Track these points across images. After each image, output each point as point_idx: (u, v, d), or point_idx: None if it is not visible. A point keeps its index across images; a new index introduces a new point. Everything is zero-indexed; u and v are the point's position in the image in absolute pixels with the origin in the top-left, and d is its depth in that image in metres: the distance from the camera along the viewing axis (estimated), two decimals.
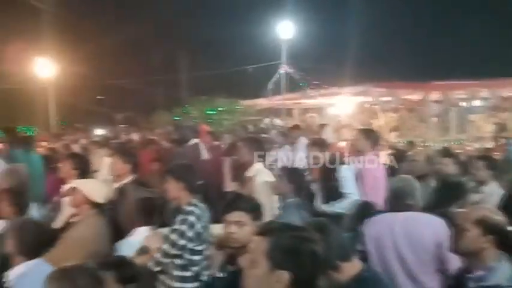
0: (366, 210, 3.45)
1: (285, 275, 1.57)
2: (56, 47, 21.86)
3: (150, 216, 3.69)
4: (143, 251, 3.37)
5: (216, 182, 6.58)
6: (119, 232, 3.88)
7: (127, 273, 2.50)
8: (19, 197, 3.65)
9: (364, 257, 2.86)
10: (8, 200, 3.57)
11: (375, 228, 3.11)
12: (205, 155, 7.18)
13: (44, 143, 10.90)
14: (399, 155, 6.76)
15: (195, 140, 7.32)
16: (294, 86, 19.19)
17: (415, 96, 16.55)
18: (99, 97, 32.35)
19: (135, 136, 12.41)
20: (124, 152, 4.56)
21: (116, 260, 2.74)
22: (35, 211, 4.01)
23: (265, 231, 1.71)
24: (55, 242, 3.23)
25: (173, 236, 3.25)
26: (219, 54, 29.55)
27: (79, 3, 24.27)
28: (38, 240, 2.95)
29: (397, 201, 3.21)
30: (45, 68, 21.37)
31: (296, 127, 7.52)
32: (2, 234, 3.23)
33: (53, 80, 21.79)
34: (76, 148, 9.06)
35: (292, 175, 4.08)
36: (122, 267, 2.53)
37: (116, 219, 4.04)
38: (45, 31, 21.97)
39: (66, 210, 3.90)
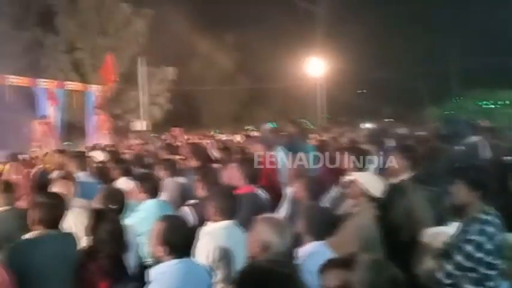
0: None
1: None
2: (325, 46, 23.75)
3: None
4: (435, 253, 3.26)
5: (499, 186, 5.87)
6: (392, 228, 3.89)
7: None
8: (312, 183, 4.09)
9: None
10: (304, 185, 4.03)
11: None
12: (486, 154, 6.51)
13: (313, 135, 11.95)
14: None
15: (473, 138, 6.72)
16: None
17: None
18: (359, 91, 33.42)
19: (401, 131, 12.24)
20: (402, 147, 4.53)
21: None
22: None
23: None
24: (337, 228, 3.48)
25: (469, 248, 2.99)
26: (498, 39, 26.22)
27: (345, 5, 25.55)
28: (323, 225, 3.22)
29: None
30: (315, 66, 23.55)
31: None
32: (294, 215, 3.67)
33: (322, 77, 23.77)
34: (343, 141, 9.55)
35: None
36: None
37: (390, 215, 4.06)
38: (316, 32, 24.11)
39: (347, 201, 4.14)
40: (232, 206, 3.39)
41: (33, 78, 15.21)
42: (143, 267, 3.98)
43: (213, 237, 3.21)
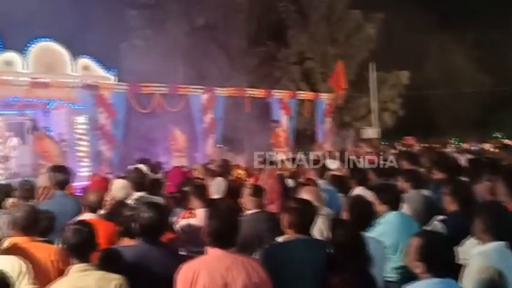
0: None
1: None
2: None
3: None
4: None
5: None
6: None
7: None
8: None
9: None
10: None
11: None
12: None
13: None
14: None
15: None
16: None
17: None
18: None
19: None
20: None
21: None
22: None
23: None
24: None
25: None
26: None
27: None
28: None
29: None
30: None
31: None
32: None
33: None
34: None
35: None
36: None
37: None
38: None
39: None
40: (503, 225, 3.13)
41: (268, 89, 16.83)
42: (388, 283, 3.96)
43: (485, 258, 2.98)
